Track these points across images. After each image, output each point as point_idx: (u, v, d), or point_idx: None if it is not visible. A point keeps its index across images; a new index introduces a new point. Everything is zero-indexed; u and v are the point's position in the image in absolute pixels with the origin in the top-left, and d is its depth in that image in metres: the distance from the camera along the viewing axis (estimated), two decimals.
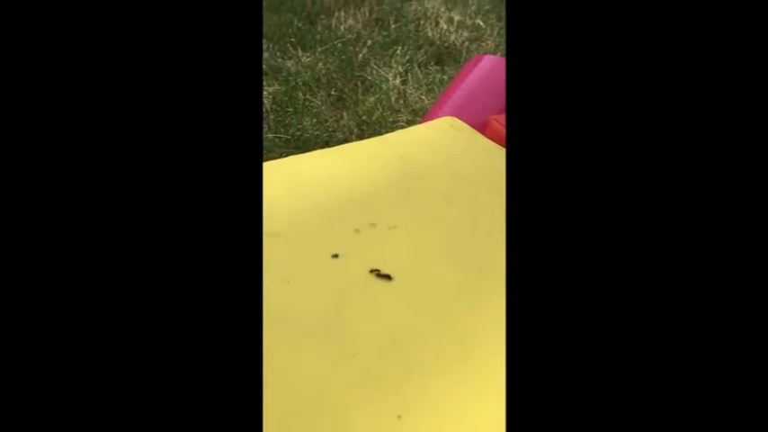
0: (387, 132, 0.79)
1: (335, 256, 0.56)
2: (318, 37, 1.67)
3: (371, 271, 0.54)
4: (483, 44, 1.73)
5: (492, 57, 1.07)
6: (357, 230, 0.59)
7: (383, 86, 1.49)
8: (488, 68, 1.01)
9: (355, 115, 1.41)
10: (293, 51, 1.59)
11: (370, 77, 1.53)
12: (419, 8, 1.85)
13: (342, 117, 1.41)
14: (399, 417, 0.42)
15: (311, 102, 1.44)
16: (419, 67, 1.58)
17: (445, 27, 1.76)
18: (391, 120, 1.41)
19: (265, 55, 1.55)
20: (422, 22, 1.79)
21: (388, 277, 0.54)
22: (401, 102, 1.47)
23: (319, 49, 1.61)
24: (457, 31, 1.75)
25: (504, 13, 1.81)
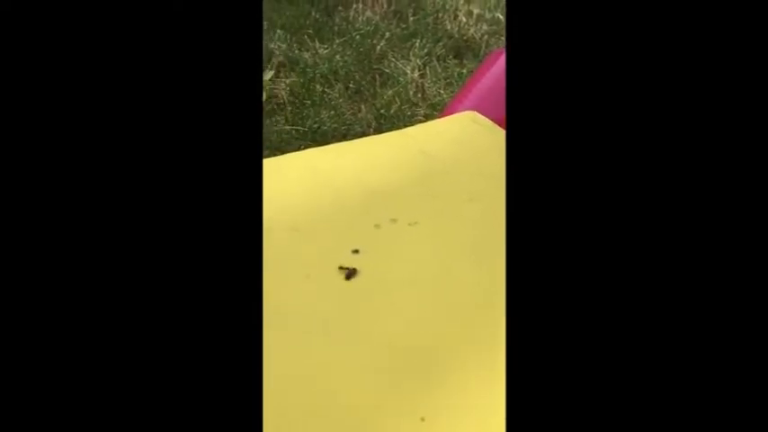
0: (405, 126, 0.78)
1: (356, 251, 0.55)
2: (336, 29, 1.65)
3: (340, 268, 0.53)
4: (502, 38, 1.70)
5: None
6: (377, 226, 0.58)
7: (401, 80, 1.48)
8: None
9: (373, 108, 1.40)
10: (310, 43, 1.58)
11: (387, 70, 1.51)
12: (438, 1, 1.83)
13: (359, 110, 1.40)
14: (423, 419, 0.41)
15: (329, 94, 1.42)
16: (438, 60, 1.57)
17: (464, 20, 1.74)
18: (409, 113, 1.40)
19: (283, 46, 1.54)
20: (440, 14, 1.77)
21: (354, 272, 0.52)
22: (419, 95, 1.46)
23: (337, 41, 1.59)
24: (476, 24, 1.73)
25: None
